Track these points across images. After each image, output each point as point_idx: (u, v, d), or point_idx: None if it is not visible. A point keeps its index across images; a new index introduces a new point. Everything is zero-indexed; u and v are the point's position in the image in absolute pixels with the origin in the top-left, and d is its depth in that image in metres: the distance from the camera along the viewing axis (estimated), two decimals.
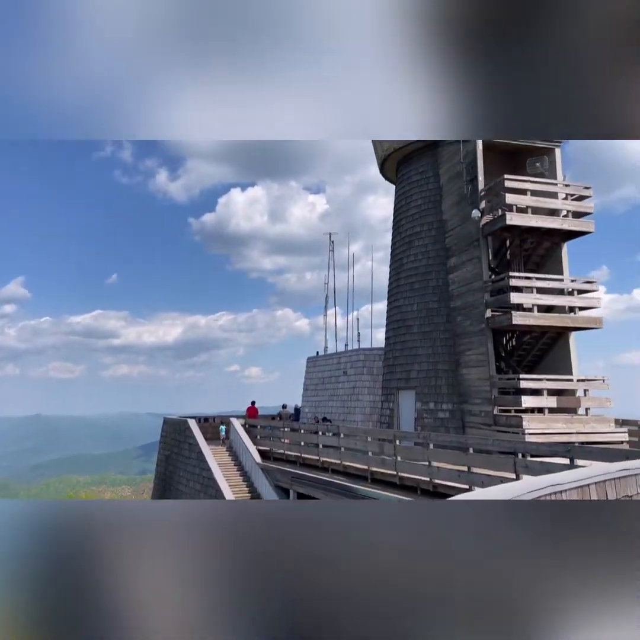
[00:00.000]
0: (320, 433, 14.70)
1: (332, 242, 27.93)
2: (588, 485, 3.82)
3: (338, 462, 13.40)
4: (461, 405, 14.86)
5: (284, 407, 21.40)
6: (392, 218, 18.83)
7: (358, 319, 25.31)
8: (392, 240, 18.56)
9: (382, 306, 19.34)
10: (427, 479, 10.47)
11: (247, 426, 18.80)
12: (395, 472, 11.28)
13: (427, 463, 10.49)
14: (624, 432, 13.06)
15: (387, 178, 19.88)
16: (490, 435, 12.43)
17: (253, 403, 20.68)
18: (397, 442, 11.44)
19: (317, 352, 25.90)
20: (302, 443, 15.47)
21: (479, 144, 14.68)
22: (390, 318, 17.98)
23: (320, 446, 14.31)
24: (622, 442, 12.82)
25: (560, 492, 3.53)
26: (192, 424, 18.50)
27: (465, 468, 9.78)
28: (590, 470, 4.38)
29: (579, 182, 14.51)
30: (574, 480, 3.77)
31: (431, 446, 10.67)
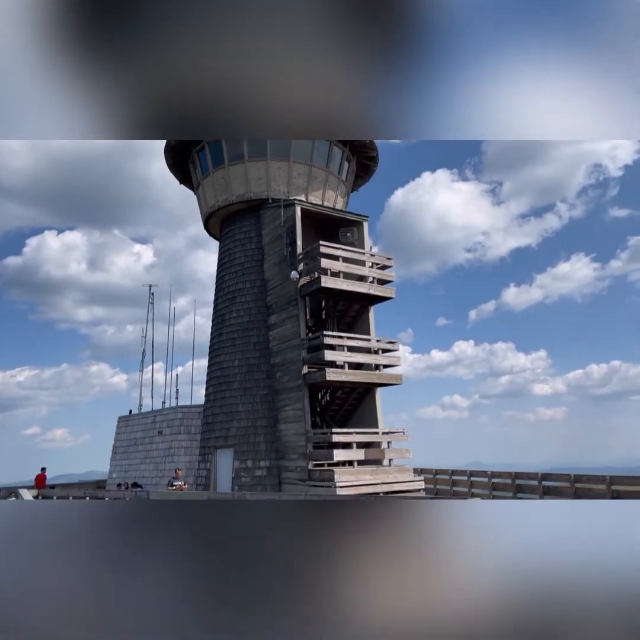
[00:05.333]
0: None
1: (152, 294, 26.80)
2: None
3: None
4: (279, 462, 14.88)
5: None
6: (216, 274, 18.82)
7: (177, 375, 24.25)
8: (215, 295, 18.46)
9: (205, 362, 18.85)
10: None
11: (40, 497, 16.21)
12: None
13: None
14: (421, 480, 14.38)
15: (211, 234, 19.98)
16: (303, 491, 12.58)
17: (43, 470, 18.98)
18: None
19: (131, 411, 23.93)
20: None
21: (298, 210, 15.72)
22: (211, 374, 17.55)
23: None
24: (419, 490, 14.07)
25: None
26: None
27: None
28: None
29: (383, 254, 16.36)
30: None
31: None
